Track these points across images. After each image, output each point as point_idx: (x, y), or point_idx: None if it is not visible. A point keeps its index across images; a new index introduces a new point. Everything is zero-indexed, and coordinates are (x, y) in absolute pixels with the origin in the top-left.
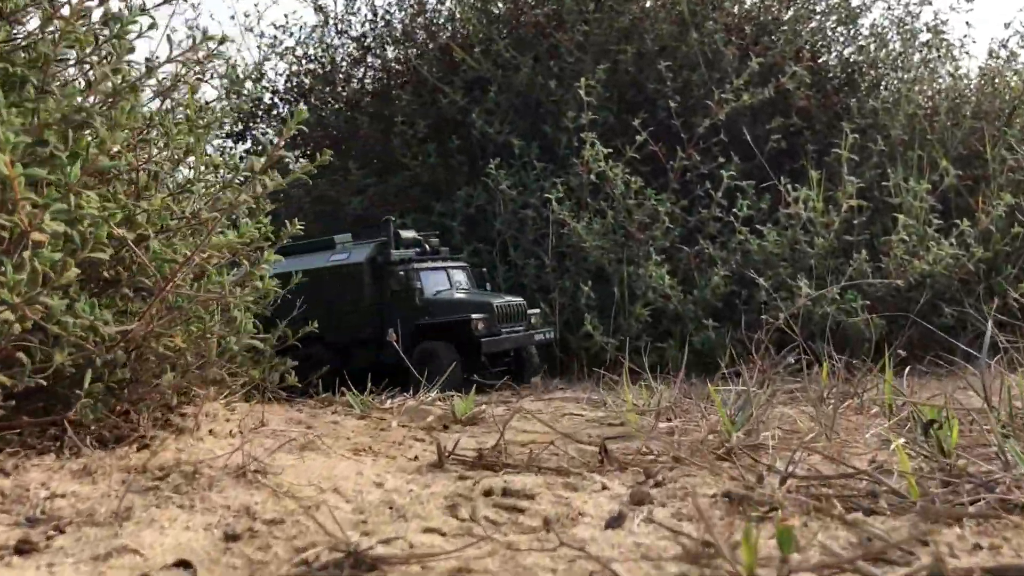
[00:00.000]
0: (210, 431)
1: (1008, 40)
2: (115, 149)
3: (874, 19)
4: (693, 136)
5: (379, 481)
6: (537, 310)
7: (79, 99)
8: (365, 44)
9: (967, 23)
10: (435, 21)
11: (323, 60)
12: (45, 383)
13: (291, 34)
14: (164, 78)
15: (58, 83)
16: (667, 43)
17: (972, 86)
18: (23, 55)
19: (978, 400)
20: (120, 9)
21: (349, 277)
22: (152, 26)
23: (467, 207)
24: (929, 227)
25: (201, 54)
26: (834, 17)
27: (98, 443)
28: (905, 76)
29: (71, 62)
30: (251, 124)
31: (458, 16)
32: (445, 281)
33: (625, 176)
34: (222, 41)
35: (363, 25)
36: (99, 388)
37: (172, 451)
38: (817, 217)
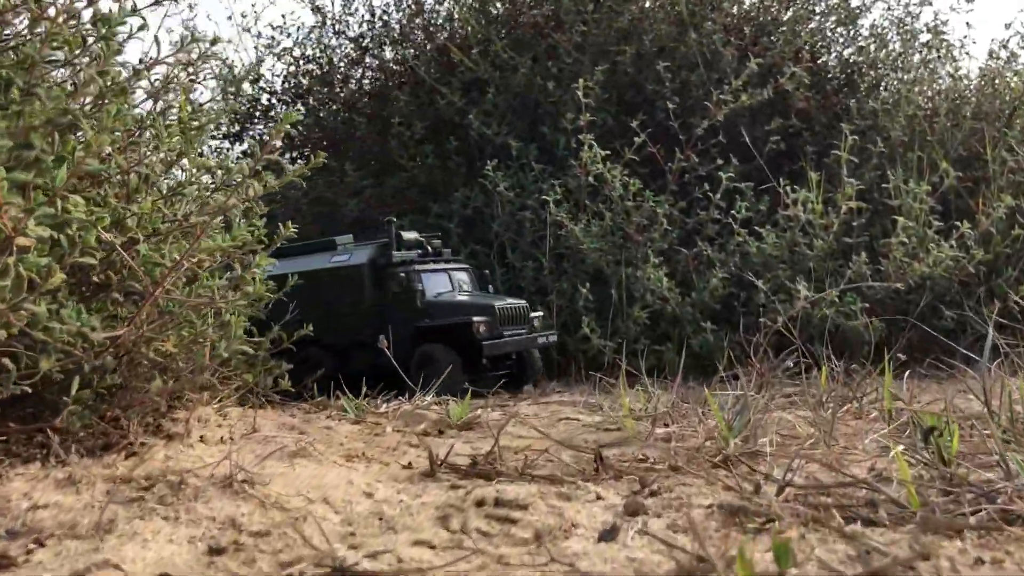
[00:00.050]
0: (201, 437)
1: (1008, 41)
2: (107, 151)
3: (874, 20)
4: (692, 137)
5: (369, 491)
6: (540, 313)
7: (65, 101)
8: (363, 45)
9: (967, 24)
10: (433, 22)
11: (321, 61)
12: (31, 390)
13: (288, 35)
14: (156, 80)
15: (47, 85)
16: (666, 44)
17: (972, 87)
18: (12, 56)
19: (978, 404)
20: (111, 10)
21: (350, 279)
22: (142, 27)
23: (464, 208)
24: (929, 229)
25: (193, 55)
26: (833, 18)
27: (86, 451)
28: (905, 77)
29: (59, 64)
30: (247, 125)
31: (456, 17)
32: (447, 283)
33: (623, 178)
34: (214, 42)
35: (361, 25)
36: (87, 395)
37: (160, 458)
38: (816, 219)
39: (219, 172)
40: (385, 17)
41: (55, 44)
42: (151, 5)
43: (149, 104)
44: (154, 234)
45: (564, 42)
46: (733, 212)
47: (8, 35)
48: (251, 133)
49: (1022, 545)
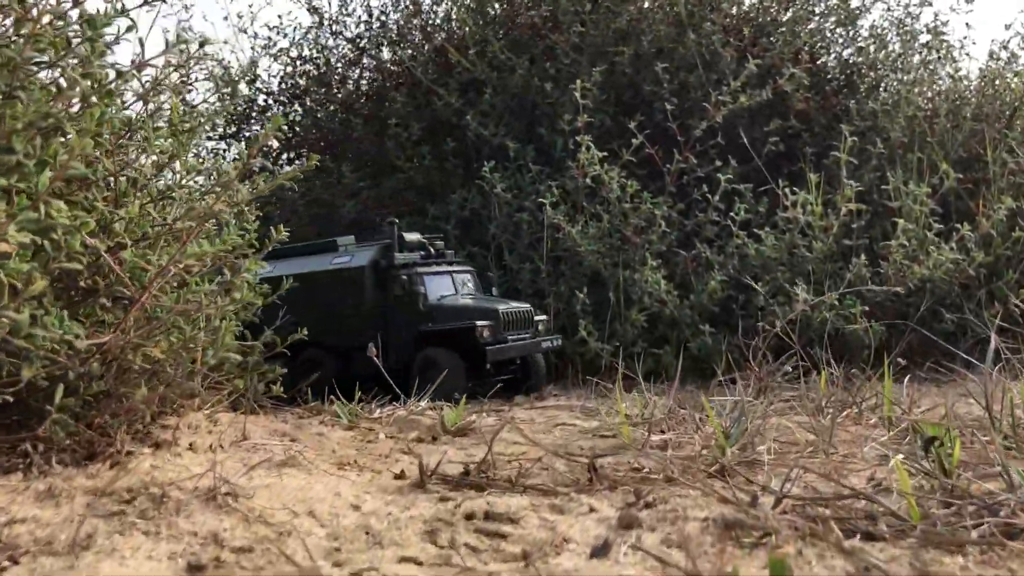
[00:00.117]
0: (190, 445)
1: (1008, 42)
2: (96, 154)
3: (873, 20)
4: (690, 139)
5: (357, 503)
6: (544, 316)
7: (48, 104)
8: (360, 45)
9: (967, 24)
10: (431, 22)
11: (318, 61)
12: (14, 398)
13: (285, 35)
14: (147, 81)
15: (34, 87)
16: (664, 44)
17: (972, 88)
18: None
19: (979, 409)
20: (98, 11)
21: (351, 281)
22: (130, 28)
23: (462, 210)
24: (929, 231)
25: (184, 56)
26: (833, 18)
27: (70, 460)
28: (905, 78)
29: (45, 65)
30: (244, 126)
31: (454, 17)
32: (450, 286)
33: (621, 179)
34: (203, 43)
35: (358, 26)
36: (72, 402)
37: (146, 468)
38: (815, 221)
39: (210, 175)
40: (383, 18)
41: (40, 46)
42: (141, 6)
43: (141, 106)
44: (143, 238)
45: (562, 43)
46: (732, 214)
47: None
48: (247, 134)
49: None
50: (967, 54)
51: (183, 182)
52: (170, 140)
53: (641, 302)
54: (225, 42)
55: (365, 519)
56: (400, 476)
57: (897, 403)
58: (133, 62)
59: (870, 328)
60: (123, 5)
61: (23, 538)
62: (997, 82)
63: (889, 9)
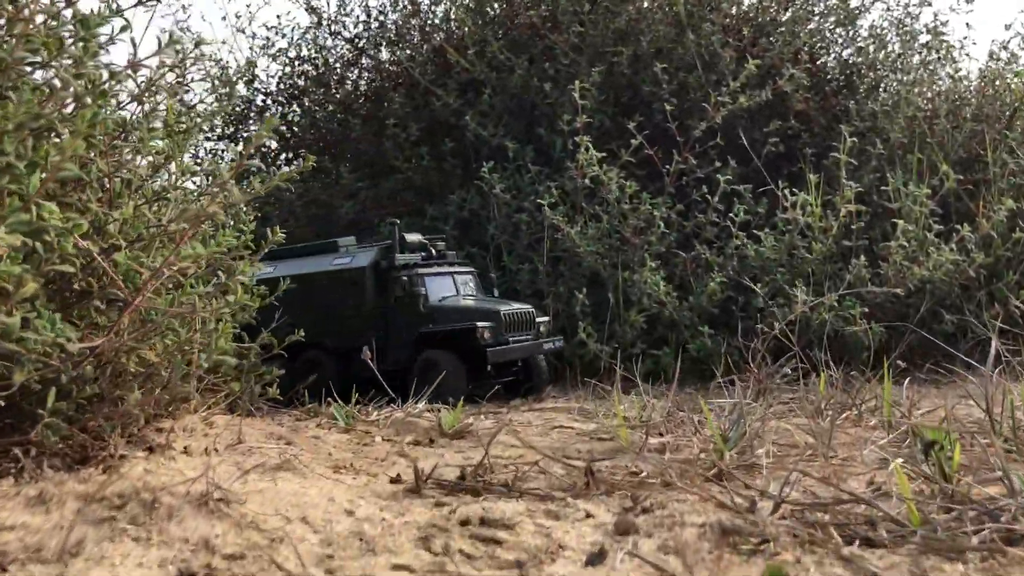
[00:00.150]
0: (185, 448)
1: (1008, 42)
2: (91, 156)
3: (873, 20)
4: (689, 139)
5: (351, 508)
6: (547, 318)
7: (39, 105)
8: (359, 46)
9: (967, 24)
10: (429, 22)
11: (316, 61)
12: (6, 402)
13: (283, 35)
14: (142, 82)
15: (27, 87)
16: (663, 45)
17: (972, 88)
18: None
19: (979, 411)
20: (92, 11)
21: (352, 282)
22: (124, 28)
23: (460, 211)
24: (929, 232)
25: (178, 56)
26: (832, 18)
27: (62, 465)
28: (904, 78)
29: (38, 66)
30: (242, 127)
31: (452, 17)
32: (451, 287)
33: (620, 180)
34: (198, 43)
35: (357, 26)
36: (65, 406)
37: (138, 473)
38: (815, 222)
39: (207, 176)
40: (381, 18)
41: (32, 46)
42: (135, 5)
43: (137, 107)
44: (137, 240)
45: (561, 43)
46: (731, 215)
47: None
48: (246, 134)
49: None
50: (967, 54)
51: (178, 183)
52: (165, 141)
53: (640, 303)
54: (223, 42)
55: (359, 525)
56: (396, 480)
57: (897, 405)
58: (128, 62)
59: (870, 329)
60: (118, 5)
61: (12, 545)
62: (997, 82)
63: (889, 9)
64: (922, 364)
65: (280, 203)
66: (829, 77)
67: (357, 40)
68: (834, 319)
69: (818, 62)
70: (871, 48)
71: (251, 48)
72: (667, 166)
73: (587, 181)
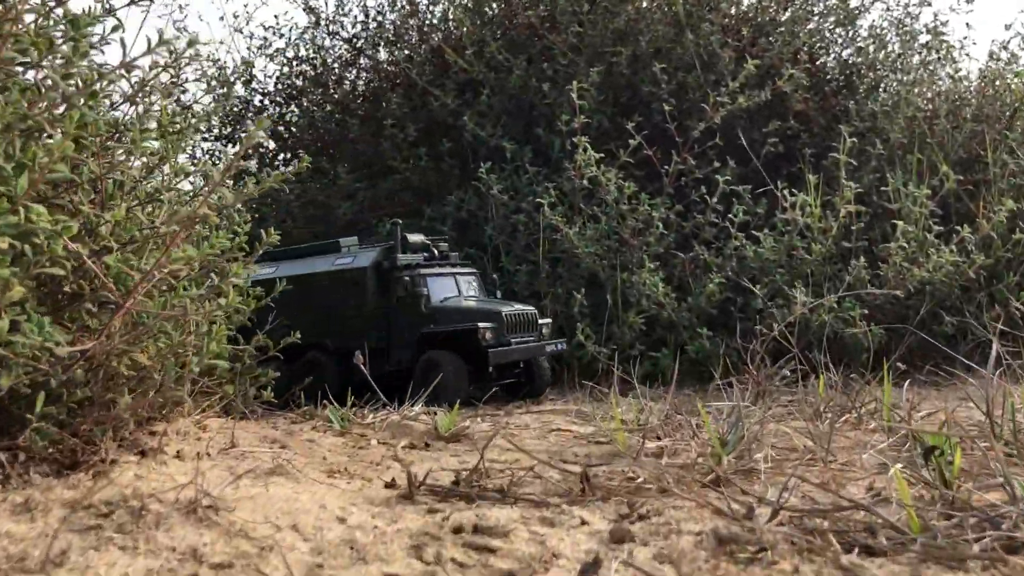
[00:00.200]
0: (177, 453)
1: (1008, 42)
2: (83, 157)
3: (873, 20)
4: (688, 140)
5: (343, 515)
6: (549, 319)
7: (26, 106)
8: (357, 46)
9: (967, 24)
10: (427, 22)
11: (314, 62)
12: None
13: (281, 35)
14: (135, 82)
15: (15, 88)
16: (662, 45)
17: (972, 89)
18: None
19: (979, 413)
20: (82, 10)
21: (353, 282)
22: (116, 28)
23: (458, 211)
24: (929, 233)
25: (172, 56)
26: (832, 18)
27: (51, 470)
28: (904, 78)
29: (28, 66)
30: (239, 127)
31: (451, 17)
32: (453, 288)
33: (619, 180)
34: (191, 43)
35: (355, 26)
36: (55, 410)
37: (128, 478)
38: (814, 223)
39: (200, 177)
40: (379, 18)
41: (20, 46)
42: (127, 5)
43: (131, 108)
44: (130, 242)
45: (559, 43)
46: (730, 215)
47: None
48: (243, 135)
49: None
50: (967, 54)
51: (172, 185)
52: (160, 142)
53: (639, 304)
54: (221, 42)
55: (350, 532)
56: (390, 485)
57: (897, 408)
58: (120, 63)
59: (869, 331)
60: (110, 5)
61: None
62: (997, 83)
63: (888, 9)
64: (922, 366)
65: (277, 204)
66: (829, 77)
67: (355, 40)
68: (833, 320)
69: (817, 62)
70: (871, 48)
71: (249, 48)
72: (666, 166)
73: (585, 181)
